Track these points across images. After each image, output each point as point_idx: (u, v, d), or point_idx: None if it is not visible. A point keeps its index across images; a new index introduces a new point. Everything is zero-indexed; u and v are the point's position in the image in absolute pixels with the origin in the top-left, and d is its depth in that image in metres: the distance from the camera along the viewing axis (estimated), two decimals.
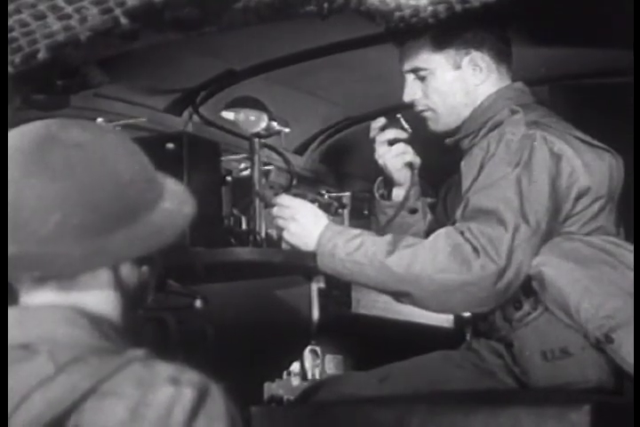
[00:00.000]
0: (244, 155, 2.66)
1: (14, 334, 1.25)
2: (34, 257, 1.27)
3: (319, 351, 2.67)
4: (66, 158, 1.29)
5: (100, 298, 1.32)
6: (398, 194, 2.47)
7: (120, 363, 1.21)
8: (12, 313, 1.29)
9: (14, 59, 1.77)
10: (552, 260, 2.13)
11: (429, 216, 2.54)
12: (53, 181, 1.27)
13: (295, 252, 2.27)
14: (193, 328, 2.29)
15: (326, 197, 2.82)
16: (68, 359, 1.21)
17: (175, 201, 1.37)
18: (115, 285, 1.33)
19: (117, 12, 1.77)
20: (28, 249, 1.27)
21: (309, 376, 2.65)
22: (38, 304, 1.30)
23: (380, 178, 2.51)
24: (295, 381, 2.64)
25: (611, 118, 2.63)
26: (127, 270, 1.34)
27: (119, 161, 1.32)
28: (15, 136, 1.32)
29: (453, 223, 2.18)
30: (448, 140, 2.38)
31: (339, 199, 2.85)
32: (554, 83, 2.89)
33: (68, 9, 1.77)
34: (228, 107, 2.66)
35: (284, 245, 2.38)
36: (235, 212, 2.59)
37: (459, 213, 2.20)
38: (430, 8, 1.97)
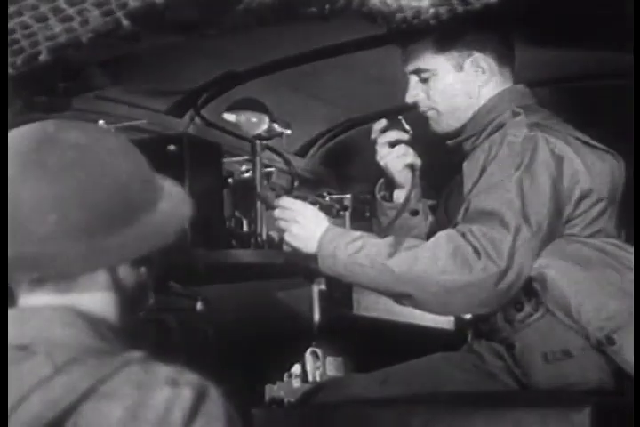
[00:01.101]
0: (246, 157, 2.66)
1: (12, 336, 1.25)
2: (31, 258, 1.27)
3: (320, 353, 2.67)
4: (63, 159, 1.29)
5: (97, 299, 1.32)
6: (399, 196, 2.48)
7: (118, 364, 1.21)
8: (11, 314, 1.29)
9: (16, 60, 1.77)
10: (554, 261, 2.13)
11: (431, 218, 2.53)
12: (51, 182, 1.27)
13: (296, 254, 2.26)
14: (194, 330, 2.29)
15: (327, 198, 2.81)
16: (66, 360, 1.21)
17: (173, 202, 1.37)
18: (113, 286, 1.33)
19: (119, 13, 1.77)
20: (25, 250, 1.27)
21: (310, 378, 2.65)
22: (36, 305, 1.30)
23: (381, 180, 2.51)
24: (296, 383, 2.63)
25: (611, 120, 2.62)
26: (125, 271, 1.34)
27: (117, 162, 1.32)
28: (13, 137, 1.32)
29: (455, 225, 2.18)
30: (450, 142, 2.38)
31: (340, 201, 2.84)
32: (555, 84, 2.89)
33: (70, 11, 1.77)
34: (230, 109, 2.65)
35: (285, 248, 2.38)
36: (236, 214, 2.59)
37: (460, 214, 2.20)
38: (432, 10, 1.97)
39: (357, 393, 2.29)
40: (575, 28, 2.37)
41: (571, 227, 2.19)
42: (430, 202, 2.57)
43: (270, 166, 2.71)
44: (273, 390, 2.60)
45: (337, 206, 2.81)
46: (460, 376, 2.28)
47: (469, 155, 2.31)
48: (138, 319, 1.44)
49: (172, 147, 2.41)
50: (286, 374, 2.64)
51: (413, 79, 2.35)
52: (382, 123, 2.43)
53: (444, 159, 2.35)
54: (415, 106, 2.37)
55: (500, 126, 2.26)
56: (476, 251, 2.06)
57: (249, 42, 2.42)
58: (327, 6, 1.89)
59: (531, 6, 2.14)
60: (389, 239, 2.15)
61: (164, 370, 1.22)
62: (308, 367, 2.64)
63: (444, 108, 2.34)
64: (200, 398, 1.20)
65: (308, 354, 2.66)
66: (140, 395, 1.19)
